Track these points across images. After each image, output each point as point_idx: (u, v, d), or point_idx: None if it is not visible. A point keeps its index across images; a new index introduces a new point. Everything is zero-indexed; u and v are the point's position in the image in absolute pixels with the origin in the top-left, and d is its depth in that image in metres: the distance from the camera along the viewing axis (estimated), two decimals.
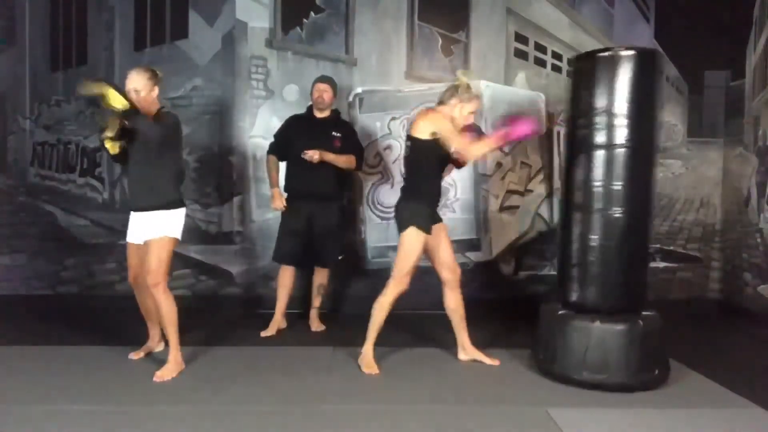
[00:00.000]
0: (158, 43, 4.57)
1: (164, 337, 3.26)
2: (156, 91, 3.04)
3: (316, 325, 4.02)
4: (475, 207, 4.61)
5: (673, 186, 4.71)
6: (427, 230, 3.07)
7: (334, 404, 2.71)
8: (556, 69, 4.65)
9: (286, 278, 3.89)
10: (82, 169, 4.71)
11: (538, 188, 4.66)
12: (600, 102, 2.88)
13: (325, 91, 3.83)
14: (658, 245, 4.66)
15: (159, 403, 2.68)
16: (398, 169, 4.24)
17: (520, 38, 4.65)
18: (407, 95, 4.48)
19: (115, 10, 4.62)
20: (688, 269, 4.71)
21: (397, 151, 4.45)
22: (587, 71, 2.95)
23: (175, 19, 4.55)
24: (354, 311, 3.77)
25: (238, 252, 4.56)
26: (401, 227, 3.08)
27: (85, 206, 4.70)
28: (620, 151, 2.87)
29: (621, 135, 2.86)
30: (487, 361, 3.25)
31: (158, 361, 3.17)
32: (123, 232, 3.22)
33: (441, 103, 3.09)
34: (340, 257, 4.02)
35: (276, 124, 4.21)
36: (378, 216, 4.53)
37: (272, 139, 3.97)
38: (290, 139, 3.85)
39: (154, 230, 3.01)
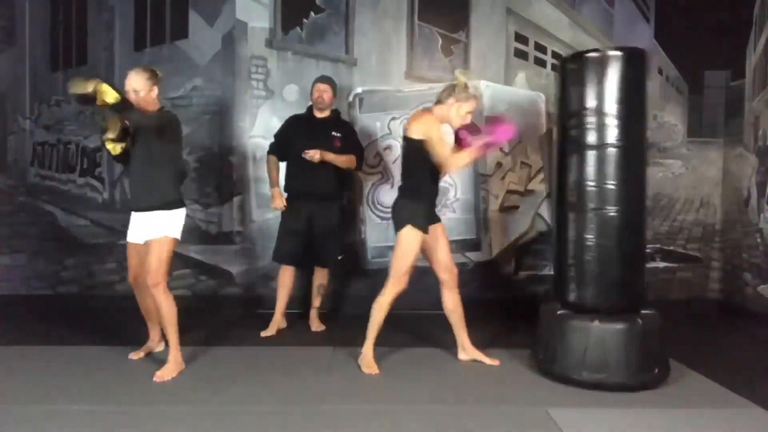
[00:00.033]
0: (158, 43, 4.57)
1: (164, 337, 3.26)
2: (155, 91, 3.04)
3: (316, 325, 4.02)
4: (475, 207, 4.61)
5: (673, 186, 4.71)
6: (424, 229, 3.07)
7: (334, 404, 2.71)
8: (557, 69, 4.64)
9: (286, 278, 3.89)
10: (82, 169, 4.71)
11: (538, 188, 4.66)
12: (590, 102, 2.90)
13: (325, 91, 3.84)
14: (658, 245, 4.66)
15: (159, 403, 2.68)
16: (398, 169, 4.22)
17: (520, 38, 4.65)
18: (407, 95, 4.48)
19: (115, 10, 4.62)
20: (688, 269, 4.71)
21: (397, 151, 4.45)
22: (577, 72, 2.97)
23: (175, 19, 4.55)
24: (354, 311, 3.77)
25: (238, 252, 4.56)
26: (398, 226, 3.09)
27: (85, 206, 4.70)
28: (612, 151, 2.89)
29: (612, 134, 2.88)
30: (487, 361, 3.25)
31: (158, 361, 3.17)
32: (123, 232, 3.22)
33: (439, 102, 3.09)
34: (339, 257, 4.02)
35: (276, 124, 4.21)
36: (378, 216, 4.53)
37: (272, 139, 3.97)
38: (290, 139, 3.85)
39: (155, 230, 3.01)
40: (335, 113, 3.97)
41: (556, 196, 3.21)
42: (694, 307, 4.59)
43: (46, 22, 4.71)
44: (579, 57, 3.02)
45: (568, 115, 3.01)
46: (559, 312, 3.03)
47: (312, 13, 4.50)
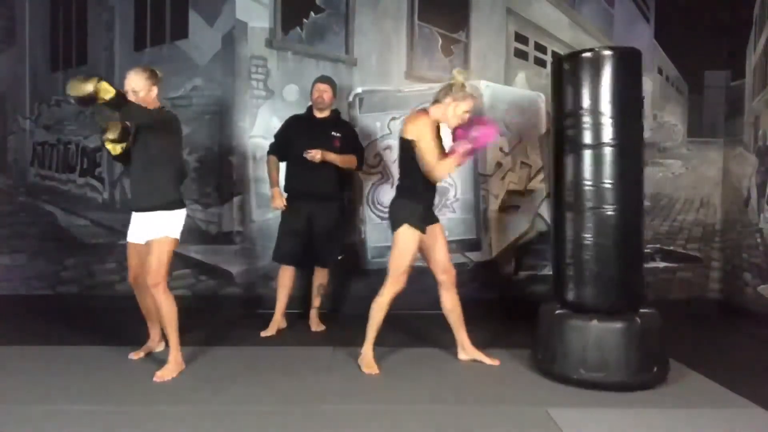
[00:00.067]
0: (158, 43, 4.58)
1: (164, 337, 3.26)
2: (155, 91, 3.04)
3: (316, 325, 4.02)
4: (475, 207, 4.61)
5: (673, 186, 4.71)
6: (422, 229, 3.07)
7: (334, 404, 2.71)
8: None
9: (286, 278, 3.89)
10: (82, 169, 4.71)
11: (538, 188, 4.66)
12: (586, 102, 2.91)
13: (324, 92, 3.84)
14: (658, 245, 4.66)
15: (159, 403, 2.68)
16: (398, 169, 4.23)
17: (520, 38, 4.65)
18: (407, 95, 4.48)
19: (115, 10, 4.62)
20: (688, 269, 4.71)
21: (396, 151, 4.44)
22: (572, 72, 2.97)
23: (175, 19, 4.55)
24: (354, 311, 3.77)
25: (238, 252, 4.56)
26: (394, 226, 3.09)
27: (85, 206, 4.70)
28: (608, 150, 2.89)
29: (608, 133, 2.89)
30: (487, 361, 3.25)
31: (158, 361, 3.17)
32: (123, 232, 3.22)
33: (436, 101, 3.09)
34: (339, 257, 4.02)
35: (276, 124, 4.21)
36: (378, 216, 4.53)
37: (272, 140, 3.98)
38: (290, 139, 3.85)
39: (155, 230, 3.01)
40: (335, 113, 3.97)
41: (553, 195, 3.22)
42: (694, 307, 4.59)
43: (46, 22, 4.71)
44: (574, 57, 3.02)
45: (564, 115, 3.01)
46: (558, 311, 3.03)
47: (312, 13, 4.50)
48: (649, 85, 4.51)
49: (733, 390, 2.88)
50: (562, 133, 3.03)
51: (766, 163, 4.19)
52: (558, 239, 3.08)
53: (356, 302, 3.89)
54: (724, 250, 4.68)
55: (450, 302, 3.23)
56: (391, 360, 3.31)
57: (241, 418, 2.53)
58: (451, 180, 4.53)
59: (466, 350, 3.31)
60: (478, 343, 3.33)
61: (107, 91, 2.65)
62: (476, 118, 3.01)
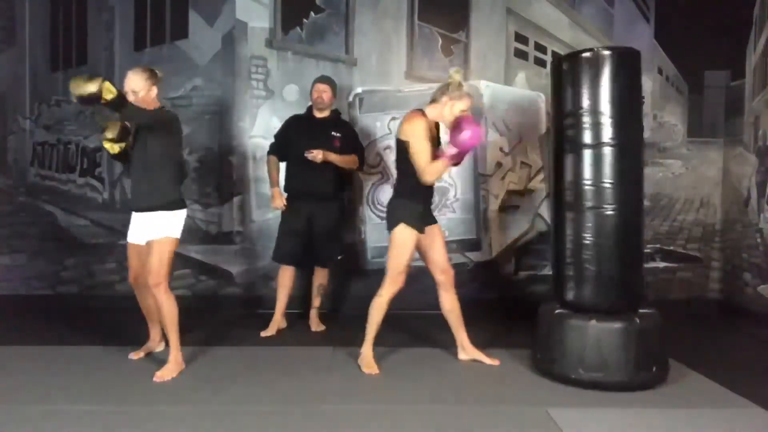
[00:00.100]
0: (158, 43, 4.58)
1: (165, 338, 3.26)
2: (155, 90, 3.04)
3: (316, 325, 4.02)
4: (475, 207, 4.61)
5: (673, 186, 4.71)
6: (418, 228, 3.07)
7: (334, 404, 2.71)
8: None
9: (285, 278, 3.89)
10: (82, 169, 4.71)
11: (538, 188, 4.66)
12: (585, 101, 2.91)
13: (324, 92, 3.84)
14: (658, 245, 4.66)
15: (159, 403, 2.68)
16: None
17: (520, 38, 4.65)
18: (407, 95, 4.48)
19: (115, 10, 4.62)
20: (688, 269, 4.71)
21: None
22: (571, 72, 2.98)
23: (175, 19, 4.55)
24: (354, 311, 3.77)
25: (238, 252, 4.56)
26: (390, 225, 3.09)
27: (85, 206, 4.70)
28: (608, 149, 2.89)
29: (607, 133, 2.89)
30: (487, 361, 3.25)
31: (158, 361, 3.17)
32: (123, 232, 3.22)
33: (433, 101, 3.09)
34: (339, 257, 4.02)
35: (276, 124, 4.21)
36: (378, 216, 4.53)
37: (272, 140, 3.98)
38: (290, 140, 3.85)
39: (156, 231, 3.01)
40: (335, 113, 3.97)
41: (553, 195, 3.22)
42: (694, 307, 4.59)
43: (46, 22, 4.71)
44: (573, 57, 3.03)
45: (564, 115, 3.01)
46: (557, 311, 3.03)
47: (312, 13, 4.50)
48: (649, 85, 4.52)
49: (733, 390, 2.88)
50: (562, 133, 3.03)
51: (766, 163, 4.19)
52: (558, 239, 3.08)
53: (356, 302, 3.89)
54: (724, 250, 4.68)
55: (449, 303, 3.23)
56: (391, 360, 3.31)
57: (241, 418, 2.53)
58: (451, 180, 4.54)
59: (466, 350, 3.31)
60: (478, 343, 3.33)
61: (110, 92, 2.66)
62: (462, 119, 2.98)
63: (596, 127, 2.89)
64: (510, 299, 4.54)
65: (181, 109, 4.20)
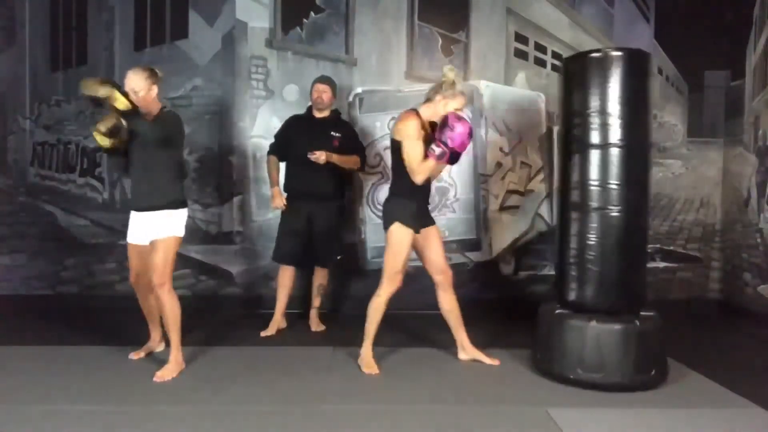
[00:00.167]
0: (158, 43, 4.57)
1: (165, 338, 3.26)
2: (155, 90, 3.03)
3: (316, 325, 4.02)
4: (475, 207, 4.61)
5: (673, 186, 4.71)
6: (413, 227, 3.06)
7: (334, 404, 2.71)
8: (556, 69, 4.64)
9: (285, 278, 3.89)
10: (82, 169, 4.71)
11: (538, 188, 4.66)
12: (594, 102, 2.90)
13: (324, 92, 3.84)
14: (658, 245, 4.66)
15: (159, 403, 2.68)
16: None
17: (520, 38, 4.65)
18: (407, 95, 4.47)
19: (115, 10, 4.62)
20: (688, 269, 4.71)
21: None
22: (580, 72, 2.98)
23: (175, 19, 4.55)
24: (354, 311, 3.77)
25: (238, 252, 4.56)
26: (386, 225, 3.09)
27: (85, 206, 4.70)
28: (615, 150, 2.89)
29: (615, 134, 2.88)
30: (487, 360, 3.25)
31: (158, 361, 3.17)
32: (123, 232, 3.22)
33: (427, 100, 3.09)
34: (339, 257, 4.02)
35: (276, 124, 4.21)
36: (378, 216, 4.52)
37: (272, 140, 3.98)
38: (290, 139, 3.85)
39: (160, 230, 3.01)
40: (335, 113, 3.97)
41: (558, 195, 3.21)
42: (694, 307, 4.59)
43: (46, 22, 4.71)
44: (582, 57, 3.02)
45: (572, 115, 3.01)
46: (557, 311, 3.03)
47: (312, 13, 4.50)
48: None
49: (733, 390, 2.88)
50: (570, 133, 3.02)
51: (766, 163, 4.19)
52: (562, 239, 3.08)
53: (356, 302, 3.89)
54: (724, 250, 4.68)
55: (448, 303, 3.23)
56: (391, 360, 3.31)
57: (241, 418, 2.53)
58: (451, 180, 4.54)
59: (466, 350, 3.31)
60: (478, 343, 3.33)
61: (121, 103, 2.71)
62: (448, 116, 2.97)
63: (604, 127, 2.89)
64: (510, 299, 4.54)
65: (181, 109, 4.19)
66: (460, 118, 2.97)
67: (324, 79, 3.90)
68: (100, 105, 2.76)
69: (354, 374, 3.10)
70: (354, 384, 2.97)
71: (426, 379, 3.04)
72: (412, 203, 3.09)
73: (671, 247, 4.71)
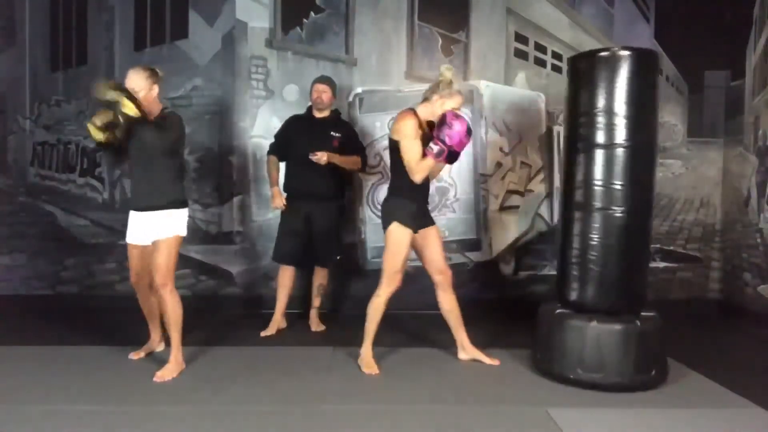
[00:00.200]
0: (158, 43, 4.57)
1: (165, 338, 3.26)
2: (156, 89, 3.03)
3: (316, 325, 4.02)
4: (475, 207, 4.60)
5: (673, 186, 4.71)
6: (412, 227, 3.06)
7: (334, 404, 2.71)
8: (556, 69, 4.65)
9: (285, 278, 3.89)
10: (82, 169, 4.71)
11: (538, 188, 4.66)
12: (600, 102, 2.89)
13: (323, 92, 3.83)
14: (658, 245, 4.66)
15: (159, 403, 2.68)
16: None
17: (520, 38, 4.65)
18: (407, 95, 4.47)
19: (115, 10, 4.62)
20: (688, 269, 4.71)
21: None
22: (587, 71, 2.96)
23: (175, 19, 4.55)
24: (354, 311, 3.77)
25: (238, 252, 4.56)
26: (385, 224, 3.09)
27: (85, 206, 4.70)
28: (620, 151, 2.88)
29: (621, 134, 2.87)
30: (487, 360, 3.25)
31: (158, 361, 3.17)
32: (123, 232, 3.21)
33: (425, 100, 3.09)
34: (338, 257, 4.02)
35: (276, 124, 4.21)
36: (378, 216, 4.52)
37: (272, 140, 3.98)
38: (290, 140, 3.85)
39: (163, 230, 3.00)
40: (335, 113, 3.97)
41: (562, 194, 3.21)
42: (694, 307, 4.59)
43: (46, 22, 4.71)
44: (591, 56, 3.01)
45: (578, 114, 2.99)
46: (557, 311, 3.03)
47: (312, 13, 4.50)
48: None
49: (733, 390, 2.88)
50: (575, 132, 3.01)
51: (766, 163, 4.19)
52: (564, 238, 3.07)
53: (356, 302, 3.89)
54: (724, 250, 4.68)
55: (448, 303, 3.23)
56: (391, 360, 3.31)
57: (241, 418, 2.53)
58: (451, 180, 4.54)
59: (466, 350, 3.31)
60: (478, 343, 3.33)
61: (130, 109, 2.73)
62: (446, 115, 2.97)
63: (610, 127, 2.88)
64: (510, 299, 4.54)
65: (181, 109, 4.18)
66: (457, 116, 2.97)
67: (324, 79, 3.90)
68: (112, 109, 2.77)
69: (354, 374, 3.10)
70: (354, 384, 2.97)
71: (426, 379, 3.04)
72: (411, 203, 3.09)
73: (671, 247, 4.71)
